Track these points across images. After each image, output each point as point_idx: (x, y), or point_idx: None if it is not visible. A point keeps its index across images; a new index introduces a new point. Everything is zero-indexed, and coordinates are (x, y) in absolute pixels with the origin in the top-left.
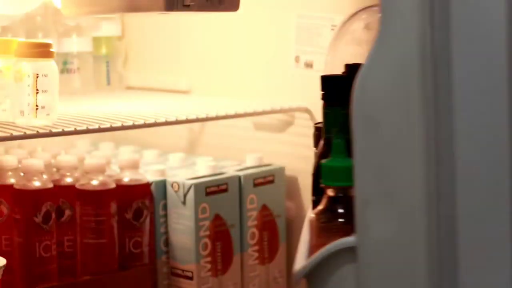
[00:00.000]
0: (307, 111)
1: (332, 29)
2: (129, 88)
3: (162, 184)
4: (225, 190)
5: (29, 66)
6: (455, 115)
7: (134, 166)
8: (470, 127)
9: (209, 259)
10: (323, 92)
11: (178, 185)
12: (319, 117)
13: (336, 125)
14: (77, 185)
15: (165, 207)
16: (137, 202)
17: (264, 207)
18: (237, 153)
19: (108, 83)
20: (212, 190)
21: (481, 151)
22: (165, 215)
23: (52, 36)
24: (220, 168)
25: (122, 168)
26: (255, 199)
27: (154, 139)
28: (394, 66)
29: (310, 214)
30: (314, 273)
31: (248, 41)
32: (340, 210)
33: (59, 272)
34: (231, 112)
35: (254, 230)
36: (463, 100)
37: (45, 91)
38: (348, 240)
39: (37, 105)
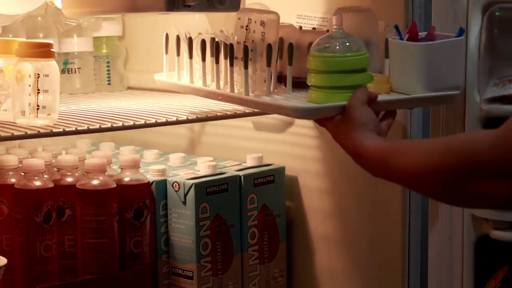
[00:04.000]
0: None
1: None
2: (129, 88)
3: (163, 184)
4: (226, 190)
5: (30, 66)
6: None
7: (135, 166)
8: None
9: (209, 258)
10: None
11: (179, 185)
12: None
13: None
14: (78, 185)
15: (165, 206)
16: (138, 201)
17: (264, 207)
18: (237, 153)
19: (109, 83)
20: (212, 190)
21: None
22: (166, 215)
23: (53, 36)
24: (220, 168)
25: (122, 168)
26: (255, 199)
27: (155, 139)
28: None
29: None
30: None
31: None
32: None
33: (59, 272)
34: (231, 112)
35: (254, 230)
36: None
37: (46, 91)
38: None
39: (38, 105)
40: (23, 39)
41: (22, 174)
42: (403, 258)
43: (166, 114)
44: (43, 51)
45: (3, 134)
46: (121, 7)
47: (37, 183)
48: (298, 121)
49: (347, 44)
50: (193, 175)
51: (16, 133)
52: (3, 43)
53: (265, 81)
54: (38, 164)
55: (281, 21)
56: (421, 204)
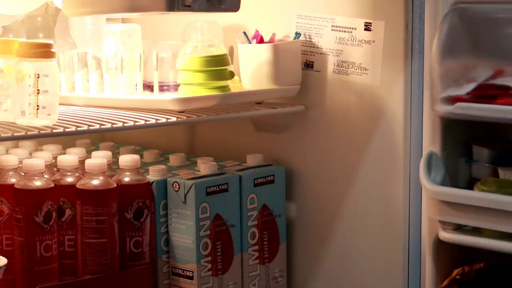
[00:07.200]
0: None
1: (333, 30)
2: None
3: (163, 184)
4: (226, 190)
5: (30, 66)
6: None
7: (135, 166)
8: None
9: (209, 258)
10: None
11: (179, 185)
12: (317, 116)
13: None
14: (78, 185)
15: (165, 206)
16: (138, 201)
17: (264, 207)
18: (238, 153)
19: None
20: (212, 190)
21: None
22: (166, 215)
23: (53, 36)
24: (220, 168)
25: (122, 168)
26: (255, 199)
27: (155, 139)
28: None
29: None
30: None
31: None
32: None
33: (60, 272)
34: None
35: (254, 230)
36: None
37: (46, 91)
38: None
39: (38, 105)
40: (23, 39)
41: (22, 174)
42: (403, 257)
43: (166, 115)
44: (43, 51)
45: (3, 134)
46: (121, 7)
47: (37, 183)
48: (298, 121)
49: (211, 47)
50: (193, 175)
51: (16, 133)
52: (3, 43)
53: (136, 85)
54: (38, 164)
55: (281, 21)
56: (421, 203)
